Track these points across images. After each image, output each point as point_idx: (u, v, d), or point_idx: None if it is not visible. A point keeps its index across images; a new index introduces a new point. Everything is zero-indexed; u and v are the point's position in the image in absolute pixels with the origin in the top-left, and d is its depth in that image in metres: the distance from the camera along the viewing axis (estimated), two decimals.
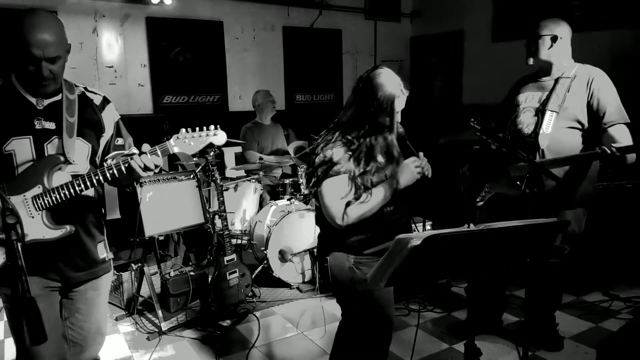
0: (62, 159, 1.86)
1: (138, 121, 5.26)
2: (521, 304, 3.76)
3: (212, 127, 1.94)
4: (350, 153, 2.07)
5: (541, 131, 2.83)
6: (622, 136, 2.73)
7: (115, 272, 3.96)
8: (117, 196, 5.66)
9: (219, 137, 1.95)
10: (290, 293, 4.19)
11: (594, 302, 3.86)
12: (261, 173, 4.77)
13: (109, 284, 2.18)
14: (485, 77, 6.41)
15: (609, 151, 2.45)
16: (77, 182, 1.84)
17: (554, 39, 2.88)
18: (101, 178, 1.86)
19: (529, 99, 3.00)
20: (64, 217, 1.89)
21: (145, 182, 3.56)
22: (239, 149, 5.99)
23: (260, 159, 4.79)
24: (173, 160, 5.72)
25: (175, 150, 1.90)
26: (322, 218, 2.15)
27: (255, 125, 5.24)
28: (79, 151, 1.93)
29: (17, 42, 1.75)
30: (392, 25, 7.45)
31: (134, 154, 1.86)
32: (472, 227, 1.69)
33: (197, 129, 1.93)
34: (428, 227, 4.28)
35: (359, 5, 7.07)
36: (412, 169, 2.08)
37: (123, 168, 1.85)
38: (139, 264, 3.75)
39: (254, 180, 4.72)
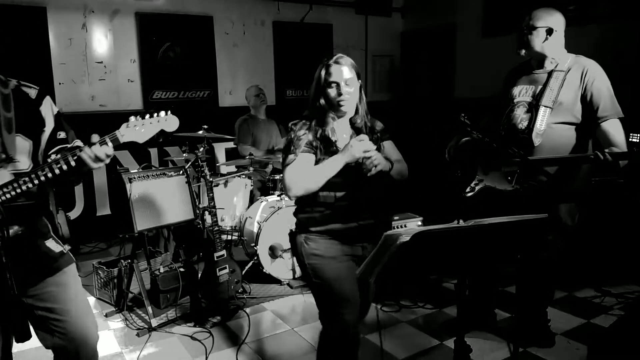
0: (2, 156, 1.79)
1: (128, 117, 5.21)
2: (513, 300, 3.78)
3: (162, 112, 1.88)
4: (309, 134, 2.23)
5: (535, 128, 2.79)
6: (616, 132, 2.70)
7: (105, 268, 3.95)
8: (107, 192, 5.63)
9: (170, 122, 1.89)
10: (281, 289, 4.18)
11: (586, 298, 3.87)
12: (251, 168, 4.75)
13: (75, 274, 2.06)
14: (476, 71, 6.42)
15: (602, 157, 2.43)
16: (22, 179, 1.75)
17: (550, 31, 2.80)
18: (49, 174, 1.76)
19: (522, 93, 2.94)
20: (10, 218, 1.77)
21: (134, 178, 3.53)
22: (230, 145, 5.97)
23: (251, 154, 4.77)
24: (163, 156, 5.70)
25: (125, 139, 1.82)
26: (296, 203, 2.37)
27: (251, 118, 5.24)
28: (20, 148, 1.85)
29: None
30: (383, 20, 7.42)
31: (79, 147, 1.78)
32: (462, 223, 1.68)
33: (147, 115, 1.86)
34: (419, 224, 4.27)
35: (350, 0, 7.04)
36: (356, 147, 2.11)
37: (72, 161, 1.76)
38: (129, 260, 3.72)
39: (244, 176, 4.70)
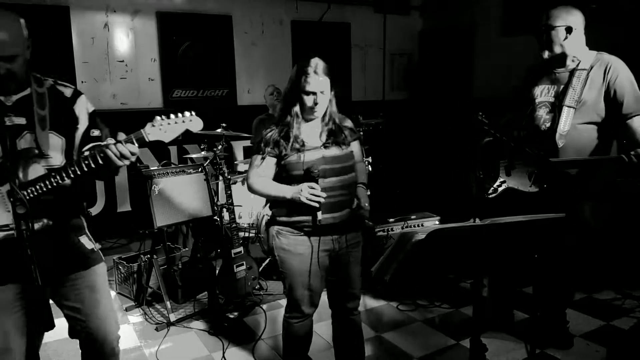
0: (35, 151, 1.85)
1: (148, 115, 5.19)
2: (531, 301, 3.75)
3: (187, 113, 1.92)
4: (275, 133, 2.36)
5: (558, 129, 2.74)
6: None
7: (125, 263, 4.02)
8: (128, 188, 5.71)
9: (195, 122, 1.93)
10: None
11: (606, 300, 3.82)
12: None
13: (104, 274, 2.14)
14: (495, 71, 6.36)
15: (627, 159, 2.40)
16: (53, 174, 1.81)
17: (569, 30, 2.74)
18: (77, 169, 1.81)
19: (544, 93, 2.89)
20: (40, 211, 1.85)
21: (155, 175, 3.59)
22: (247, 143, 6.02)
23: None
24: (182, 154, 5.77)
25: (151, 138, 1.86)
26: None
27: (268, 118, 5.27)
28: (53, 144, 1.91)
29: None
30: (402, 19, 7.41)
31: (109, 144, 1.82)
32: (477, 221, 1.69)
33: (172, 115, 1.90)
34: (436, 223, 4.27)
35: None
36: (305, 192, 2.22)
37: (99, 158, 1.81)
38: (148, 256, 3.78)
39: None
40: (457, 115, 6.79)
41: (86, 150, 2.01)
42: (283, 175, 2.37)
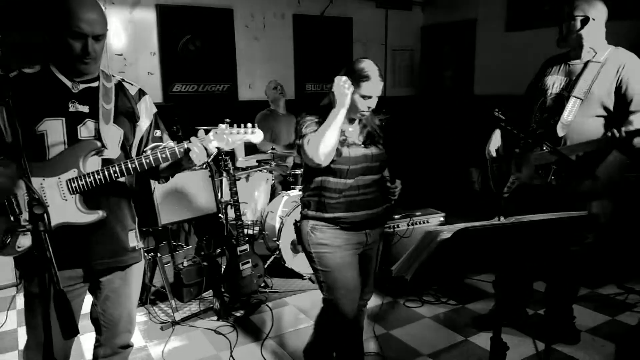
0: (99, 144, 1.88)
1: None
2: (539, 297, 3.74)
3: (249, 125, 2.01)
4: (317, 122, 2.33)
5: (562, 118, 2.74)
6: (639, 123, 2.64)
7: None
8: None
9: (257, 135, 2.03)
10: (303, 284, 4.17)
11: (610, 295, 3.82)
12: (273, 163, 4.73)
13: (140, 273, 2.17)
14: (498, 67, 6.33)
15: (617, 135, 2.41)
16: (114, 169, 1.86)
17: (585, 20, 2.73)
18: (152, 161, 1.89)
19: (556, 85, 2.88)
20: (96, 203, 1.90)
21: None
22: None
23: (273, 148, 4.76)
24: None
25: (214, 144, 1.95)
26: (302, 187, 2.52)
27: (271, 113, 5.22)
28: (112, 137, 1.94)
29: (65, 18, 1.77)
30: (404, 14, 7.34)
31: (181, 145, 1.90)
32: (502, 220, 1.65)
33: (235, 125, 1.99)
34: (441, 219, 4.24)
35: None
36: (338, 90, 2.25)
37: (178, 153, 1.90)
38: (152, 254, 3.73)
39: (265, 170, 4.68)
40: (459, 111, 6.77)
41: (149, 149, 2.07)
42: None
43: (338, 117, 2.23)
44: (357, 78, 2.29)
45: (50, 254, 1.28)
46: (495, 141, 3.12)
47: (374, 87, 2.29)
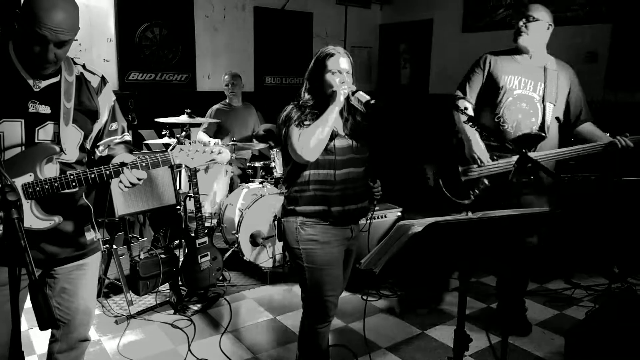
0: (57, 149, 1.78)
1: None
2: (487, 291, 3.87)
3: (218, 144, 1.97)
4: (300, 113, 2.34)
5: (545, 123, 2.89)
6: (598, 131, 2.85)
7: None
8: None
9: (224, 155, 1.97)
10: (261, 277, 4.15)
11: (557, 290, 4.00)
12: (233, 155, 4.68)
13: (97, 263, 2.09)
14: (453, 67, 6.48)
15: (620, 144, 2.56)
16: (72, 177, 1.77)
17: (538, 22, 2.86)
18: (105, 175, 1.80)
19: (522, 85, 2.95)
20: (52, 207, 1.82)
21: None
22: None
23: (233, 140, 4.70)
24: (140, 140, 5.55)
25: (177, 161, 1.87)
26: (286, 183, 2.45)
27: (225, 108, 5.10)
28: (71, 139, 1.85)
29: (29, 19, 1.63)
30: (363, 12, 7.43)
31: (123, 169, 1.80)
32: (470, 215, 1.70)
33: (202, 144, 1.93)
34: (399, 214, 4.31)
35: None
36: (337, 89, 2.28)
37: (105, 176, 1.81)
38: (107, 245, 3.62)
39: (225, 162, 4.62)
40: (414, 109, 6.91)
41: (101, 144, 1.98)
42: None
43: (332, 115, 2.25)
44: (323, 58, 2.35)
45: (25, 243, 1.23)
46: (477, 145, 2.93)
47: (338, 60, 2.34)
